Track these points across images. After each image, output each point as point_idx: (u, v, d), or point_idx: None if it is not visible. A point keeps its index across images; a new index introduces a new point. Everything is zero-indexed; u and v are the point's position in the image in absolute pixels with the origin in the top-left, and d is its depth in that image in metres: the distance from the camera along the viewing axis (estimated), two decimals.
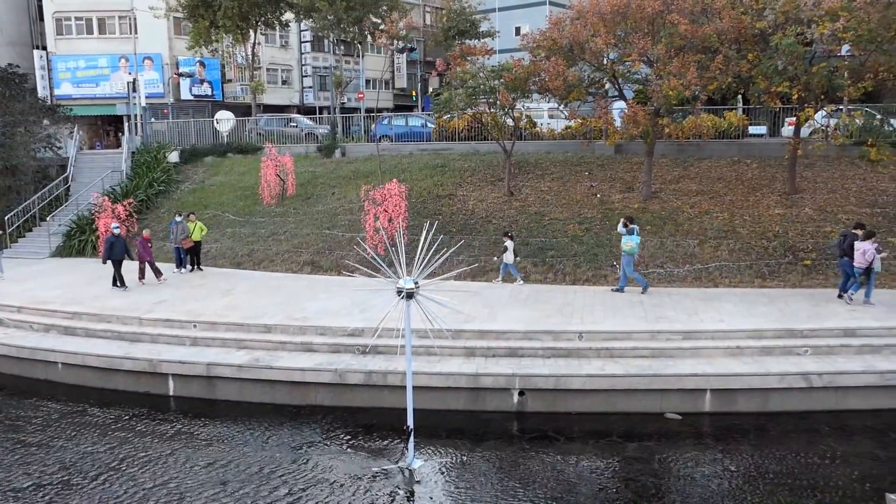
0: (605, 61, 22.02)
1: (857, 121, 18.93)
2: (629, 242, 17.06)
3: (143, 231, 21.27)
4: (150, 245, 20.40)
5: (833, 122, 20.44)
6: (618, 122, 22.80)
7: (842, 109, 23.05)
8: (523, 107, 25.25)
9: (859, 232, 16.08)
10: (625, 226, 17.49)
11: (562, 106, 23.91)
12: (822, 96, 19.32)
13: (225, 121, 33.54)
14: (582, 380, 13.14)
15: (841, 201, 20.75)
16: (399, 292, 10.58)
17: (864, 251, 15.60)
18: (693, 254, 19.08)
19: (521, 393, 13.21)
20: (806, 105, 19.61)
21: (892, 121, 21.45)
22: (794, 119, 21.29)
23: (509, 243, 18.57)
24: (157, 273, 20.23)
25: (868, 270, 15.74)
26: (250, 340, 15.16)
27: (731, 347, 13.95)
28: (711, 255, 18.93)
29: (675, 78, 19.15)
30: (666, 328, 14.53)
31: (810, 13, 18.29)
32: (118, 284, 19.47)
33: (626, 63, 21.25)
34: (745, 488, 10.70)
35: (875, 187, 21.32)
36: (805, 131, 22.46)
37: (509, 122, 24.13)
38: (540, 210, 21.67)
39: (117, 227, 20.00)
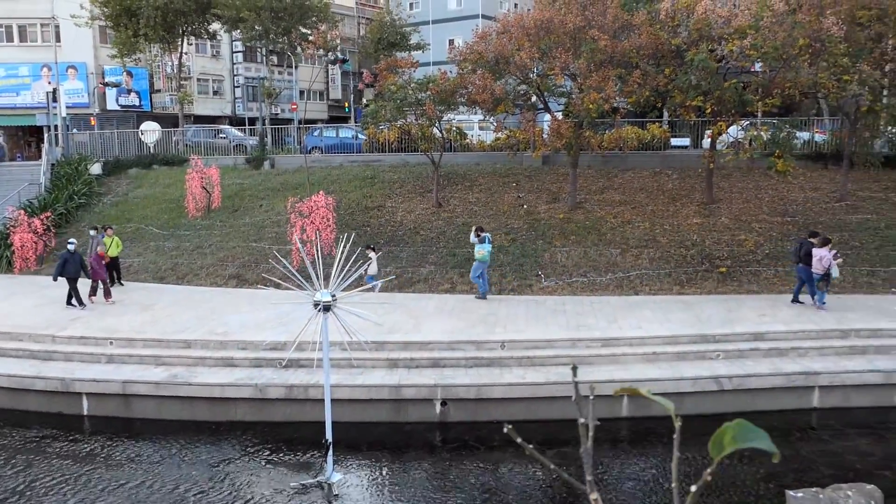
0: (530, 75, 22.47)
1: (765, 134, 19.76)
2: (481, 251, 17.43)
3: (98, 248, 19.87)
4: (105, 262, 19.30)
5: (743, 135, 21.28)
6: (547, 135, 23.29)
7: (754, 123, 24.01)
8: (453, 119, 25.54)
9: (815, 240, 16.69)
10: (476, 235, 17.73)
11: (490, 118, 24.29)
12: (734, 110, 20.12)
13: (150, 132, 32.83)
14: (503, 388, 13.32)
15: (755, 210, 21.62)
16: (315, 305, 10.56)
17: (821, 258, 16.10)
18: (615, 262, 19.57)
19: (444, 403, 13.30)
20: (719, 119, 20.39)
21: (798, 134, 22.46)
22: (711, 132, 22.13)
23: (373, 255, 18.37)
24: (108, 294, 19.07)
25: (826, 276, 16.32)
26: (169, 356, 14.83)
27: (648, 353, 14.36)
28: (633, 264, 19.45)
29: (595, 92, 19.67)
30: (586, 336, 14.87)
31: (721, 31, 19.09)
32: (74, 303, 18.41)
33: (551, 77, 21.75)
34: (657, 489, 11.02)
35: (786, 197, 22.31)
36: (724, 143, 23.36)
37: (438, 134, 24.35)
38: (468, 221, 21.88)
39: (73, 243, 18.80)
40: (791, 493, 9.84)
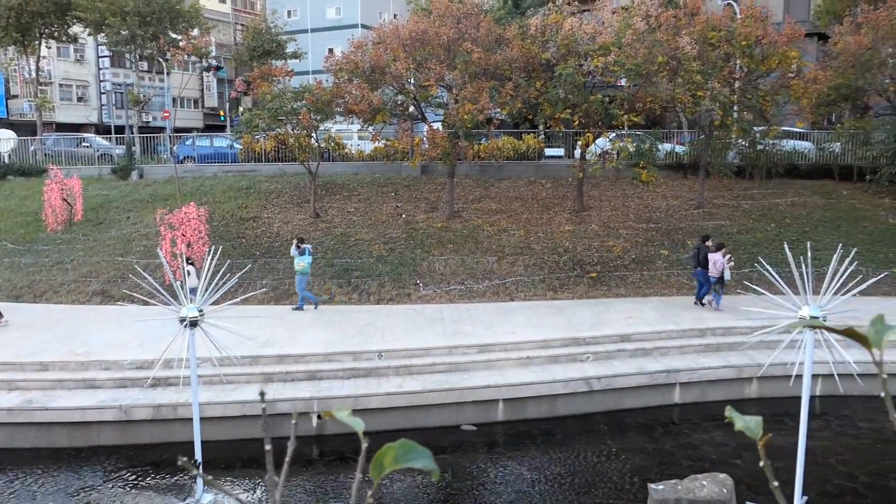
0: (407, 85, 22.65)
1: (630, 146, 20.83)
2: (301, 263, 17.37)
3: None
4: None
5: (610, 146, 22.35)
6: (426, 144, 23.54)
7: (621, 135, 25.25)
8: (331, 128, 25.36)
9: (710, 243, 17.57)
10: (297, 247, 17.62)
11: (369, 128, 24.29)
12: (601, 123, 21.09)
13: (5, 140, 30.63)
14: (381, 398, 13.30)
15: (622, 218, 22.71)
16: (182, 321, 10.19)
17: (715, 261, 17.09)
18: (492, 270, 19.99)
19: (320, 416, 13.11)
20: (587, 130, 21.31)
21: (660, 146, 23.82)
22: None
23: (191, 269, 17.78)
24: None
25: (720, 279, 17.22)
26: (24, 380, 13.83)
27: (522, 358, 14.75)
28: (509, 271, 19.94)
29: (470, 103, 20.09)
30: (463, 342, 15.09)
31: (587, 47, 19.96)
32: None
33: (427, 87, 22.02)
34: (531, 491, 11.32)
35: (650, 204, 23.57)
36: (592, 154, 24.43)
37: (315, 143, 24.09)
38: (346, 231, 21.76)
39: None
40: (652, 486, 10.37)
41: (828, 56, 24.36)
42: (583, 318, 17.00)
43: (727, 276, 17.37)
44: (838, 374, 11.77)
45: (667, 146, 28.21)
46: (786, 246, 10.94)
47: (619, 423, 13.93)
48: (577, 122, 20.68)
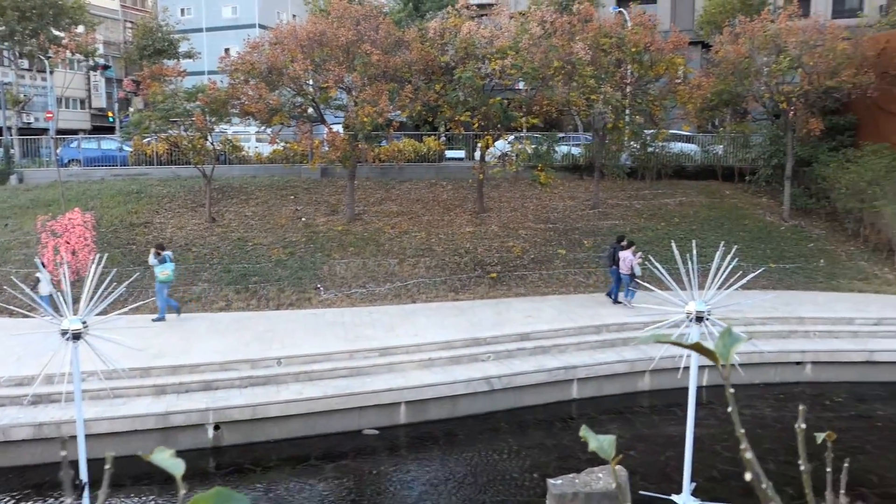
0: (305, 87, 22.29)
1: (528, 148, 21.27)
2: (165, 271, 16.64)
3: None
4: None
5: (508, 148, 22.75)
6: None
7: (520, 138, 25.75)
8: (226, 130, 24.67)
9: (623, 243, 18.20)
10: (156, 255, 16.91)
11: (267, 130, 23.76)
12: (499, 125, 21.43)
13: None
14: (280, 406, 13.02)
15: (521, 219, 23.15)
16: (63, 333, 9.63)
17: (625, 258, 17.75)
18: (393, 272, 19.95)
19: (217, 427, 12.72)
20: (486, 133, 21.60)
21: (557, 148, 24.42)
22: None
23: (41, 275, 16.72)
24: None
25: (632, 276, 17.81)
26: None
27: (424, 360, 14.79)
28: (410, 273, 19.95)
29: (369, 105, 19.98)
30: (364, 346, 14.98)
31: (485, 51, 20.24)
32: None
33: (325, 89, 21.76)
34: (433, 492, 11.35)
35: (548, 205, 24.14)
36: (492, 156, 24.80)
37: (210, 145, 23.35)
38: (244, 235, 21.21)
39: None
40: (551, 481, 10.59)
41: (710, 63, 25.61)
42: (484, 318, 17.21)
43: (637, 271, 18.06)
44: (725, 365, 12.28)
45: (564, 148, 28.97)
46: (673, 244, 11.42)
47: (520, 420, 14.17)
48: (476, 125, 20.94)
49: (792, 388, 16.31)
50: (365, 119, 19.86)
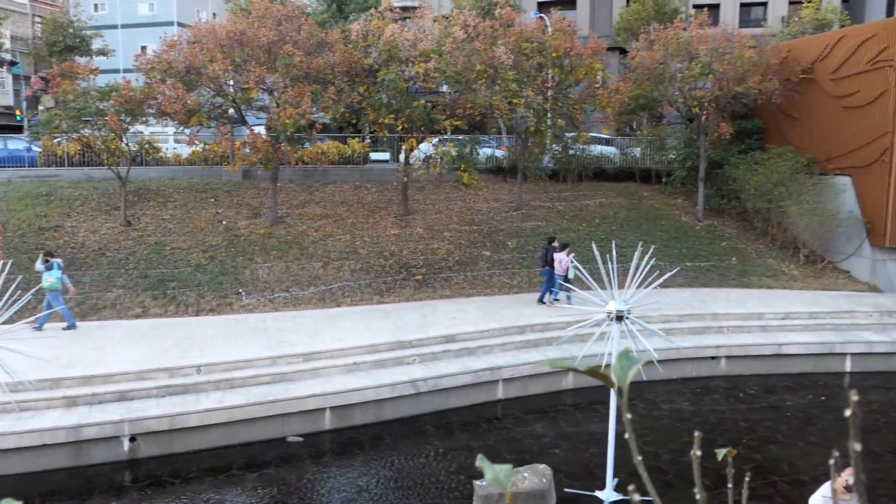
0: (225, 87, 21.77)
1: (452, 151, 21.38)
2: (49, 279, 15.80)
3: None
4: None
5: (432, 151, 22.82)
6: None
7: (445, 140, 25.85)
8: (143, 131, 23.86)
9: (555, 244, 18.49)
10: (44, 261, 16.14)
11: (185, 131, 23.11)
12: (423, 128, 21.46)
13: None
14: (199, 416, 12.66)
15: (446, 221, 23.24)
16: None
17: (559, 261, 17.99)
18: (318, 276, 19.70)
19: (133, 439, 12.26)
20: (410, 135, 21.60)
21: (479, 150, 24.57)
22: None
23: None
24: None
25: (565, 276, 18.06)
26: None
27: (349, 364, 14.65)
28: (335, 276, 19.75)
29: (291, 106, 19.68)
30: (287, 352, 14.72)
31: (408, 53, 20.23)
32: None
33: (246, 90, 21.31)
34: (359, 498, 11.25)
35: (472, 207, 24.32)
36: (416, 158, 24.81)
37: (125, 146, 22.51)
38: (161, 239, 20.54)
39: None
40: (477, 482, 10.66)
41: (627, 69, 26.36)
42: (409, 320, 17.19)
43: (570, 273, 18.36)
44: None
45: (488, 150, 29.26)
46: (593, 245, 11.68)
47: (446, 422, 14.21)
48: (400, 127, 20.90)
49: (708, 382, 16.92)
50: (287, 121, 19.55)
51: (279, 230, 21.51)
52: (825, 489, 7.02)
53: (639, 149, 28.85)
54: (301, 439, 13.20)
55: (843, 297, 20.52)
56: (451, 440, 13.45)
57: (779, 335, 18.07)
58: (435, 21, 22.86)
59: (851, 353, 17.76)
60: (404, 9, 29.70)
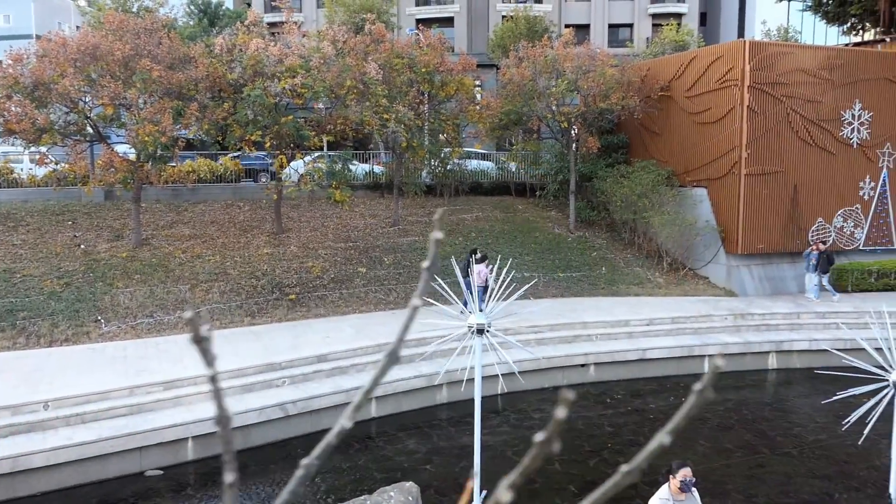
0: (80, 103, 20.60)
1: (323, 167, 21.13)
2: None
3: None
4: None
5: (302, 167, 22.48)
6: None
7: (321, 157, 25.53)
8: None
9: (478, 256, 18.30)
10: None
11: (35, 150, 21.67)
12: (293, 144, 21.09)
13: None
14: (46, 455, 11.79)
15: (321, 238, 22.90)
16: None
17: (479, 272, 17.81)
18: (185, 299, 18.90)
19: None
20: (279, 152, 21.16)
21: (350, 166, 24.42)
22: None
23: None
24: None
25: (485, 287, 17.72)
26: None
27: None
28: (203, 299, 19.01)
29: (151, 123, 18.86)
30: (147, 381, 13.99)
31: (273, 69, 19.85)
32: None
33: (102, 107, 20.26)
34: None
35: (348, 224, 24.10)
36: (295, 175, 24.36)
37: None
38: (10, 267, 19.12)
39: None
40: None
41: (501, 85, 26.97)
42: (281, 341, 16.76)
43: (490, 284, 18.49)
44: (502, 373, 12.73)
45: (366, 166, 29.14)
46: (452, 260, 11.76)
47: (317, 445, 13.86)
48: (268, 144, 20.44)
49: (578, 390, 17.38)
50: (146, 138, 18.70)
51: (143, 253, 20.51)
52: (663, 492, 7.28)
53: (514, 163, 29.53)
54: (161, 472, 12.55)
55: (701, 301, 21.68)
56: (321, 463, 13.13)
57: (643, 341, 18.85)
58: (304, 36, 22.58)
59: (709, 355, 18.74)
60: (272, 24, 29.22)
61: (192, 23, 44.75)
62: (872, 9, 31.11)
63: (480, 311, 19.12)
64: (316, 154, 24.85)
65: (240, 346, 16.34)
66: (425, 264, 0.95)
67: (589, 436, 14.54)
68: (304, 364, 15.50)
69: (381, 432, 14.68)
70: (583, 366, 17.88)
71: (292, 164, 22.46)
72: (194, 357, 15.21)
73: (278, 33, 24.18)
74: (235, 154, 26.73)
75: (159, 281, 19.35)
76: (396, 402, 15.49)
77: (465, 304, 19.22)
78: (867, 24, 33.14)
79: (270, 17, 39.15)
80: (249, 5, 55.36)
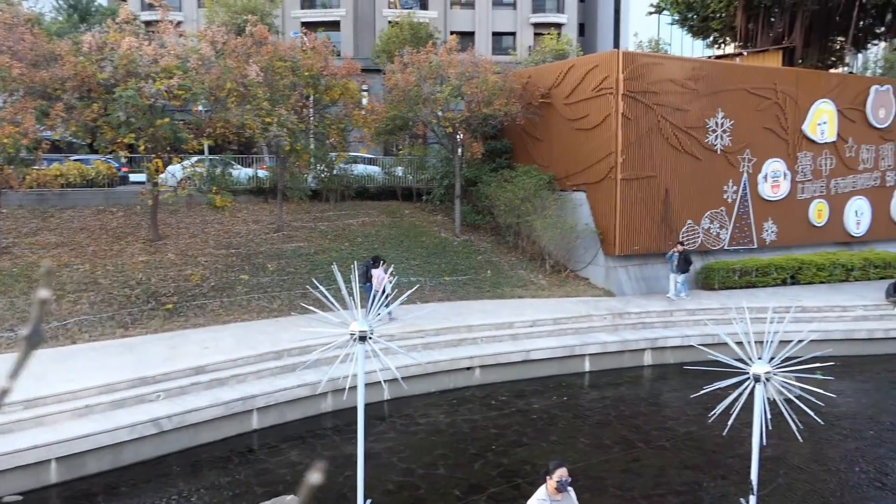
0: None
1: (201, 171, 20.42)
2: None
3: None
4: None
5: (180, 171, 21.65)
6: None
7: (202, 160, 24.63)
8: None
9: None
10: None
11: None
12: (170, 147, 20.26)
13: None
14: None
15: (201, 245, 22.10)
16: None
17: (377, 277, 18.32)
18: (49, 311, 17.74)
19: None
20: (155, 155, 20.27)
21: (233, 170, 23.83)
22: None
23: None
24: None
25: (383, 292, 17.48)
26: None
27: (80, 408, 13.28)
28: (70, 311, 17.91)
29: (11, 125, 17.64)
30: (5, 400, 12.99)
31: (148, 69, 18.99)
32: None
33: None
34: None
35: (230, 230, 23.38)
36: (173, 180, 23.37)
37: None
38: None
39: None
40: None
41: (385, 90, 26.95)
42: (155, 354, 16.01)
43: (387, 288, 18.35)
44: (385, 380, 12.65)
45: (249, 171, 28.39)
46: (334, 266, 11.57)
47: (195, 461, 13.36)
48: (143, 148, 19.53)
49: (464, 393, 17.58)
50: (6, 140, 17.47)
51: (3, 262, 19.13)
52: (540, 493, 7.43)
53: (401, 168, 29.58)
54: (20, 498, 11.70)
55: (582, 302, 22.44)
56: (198, 479, 12.65)
57: (527, 342, 19.29)
58: (181, 36, 21.74)
59: (589, 354, 19.43)
60: (150, 23, 27.98)
61: (60, 18, 42.27)
62: (731, 25, 33.27)
63: (378, 315, 19.27)
64: (195, 158, 23.95)
65: (111, 359, 15.50)
66: (24, 332, 0.92)
67: (473, 439, 14.70)
68: (180, 377, 14.87)
69: (263, 444, 14.28)
70: (468, 369, 18.07)
71: (169, 168, 21.58)
72: (58, 374, 14.35)
73: (155, 32, 23.18)
74: (108, 157, 25.39)
75: (21, 292, 18.08)
76: (279, 413, 15.13)
77: (369, 309, 19.17)
78: (728, 38, 35.42)
79: (148, 16, 37.49)
80: (125, 1, 52.95)
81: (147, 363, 15.30)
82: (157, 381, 14.49)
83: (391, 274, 19.57)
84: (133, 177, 29.85)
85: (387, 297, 19.15)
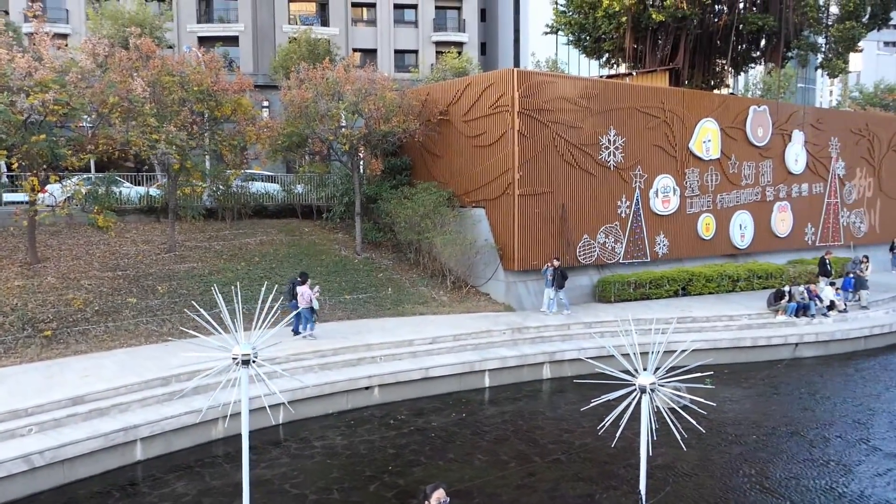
0: None
1: (83, 190, 19.41)
2: None
3: None
4: None
5: (59, 191, 20.53)
6: None
7: (86, 179, 23.45)
8: None
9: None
10: None
11: None
12: (46, 165, 19.18)
13: None
14: None
15: (85, 267, 20.97)
16: None
17: (302, 294, 18.64)
18: None
19: None
20: (31, 174, 19.15)
21: (122, 189, 22.81)
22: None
23: None
24: None
25: (311, 309, 18.77)
26: None
27: None
28: None
29: None
30: None
31: (21, 82, 17.96)
32: None
33: None
34: None
35: (118, 251, 22.30)
36: (53, 200, 22.11)
37: None
38: None
39: None
40: None
41: (282, 107, 26.46)
42: (30, 384, 15.01)
43: (316, 305, 19.20)
44: (269, 405, 12.32)
45: (141, 189, 27.24)
46: (214, 289, 11.18)
47: (70, 498, 12.54)
48: (16, 165, 18.40)
49: (362, 413, 17.29)
50: None
51: None
52: None
53: (300, 185, 29.07)
54: None
55: (482, 317, 22.56)
56: None
57: (427, 359, 19.19)
58: (59, 49, 20.69)
59: (489, 370, 19.51)
60: (32, 34, 26.50)
61: None
62: (622, 46, 34.57)
63: (295, 333, 19.07)
64: (77, 177, 22.78)
65: None
66: None
67: (371, 460, 14.44)
68: (55, 408, 13.97)
69: (147, 476, 13.55)
70: (367, 388, 17.80)
71: (49, 187, 20.41)
72: None
73: (30, 43, 21.98)
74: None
75: None
76: (166, 442, 14.42)
77: (295, 328, 18.86)
78: (619, 59, 36.77)
79: (30, 27, 35.58)
80: (7, 13, 50.24)
81: (20, 394, 14.31)
82: (30, 414, 13.56)
83: (317, 292, 19.44)
84: (8, 196, 28.10)
85: (314, 313, 19.05)
